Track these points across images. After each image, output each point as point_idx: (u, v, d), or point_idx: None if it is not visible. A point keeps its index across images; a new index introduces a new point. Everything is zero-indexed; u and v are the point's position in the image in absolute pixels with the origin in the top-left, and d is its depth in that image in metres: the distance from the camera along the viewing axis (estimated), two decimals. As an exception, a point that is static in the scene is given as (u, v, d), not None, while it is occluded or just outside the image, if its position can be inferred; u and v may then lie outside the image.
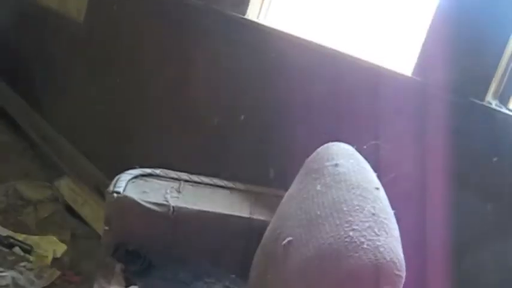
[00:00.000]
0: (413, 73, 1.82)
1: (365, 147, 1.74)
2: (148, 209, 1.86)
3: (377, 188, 1.48)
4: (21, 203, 3.09)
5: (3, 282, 2.37)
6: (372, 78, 1.89)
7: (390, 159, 1.74)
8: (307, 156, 1.73)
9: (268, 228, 1.70)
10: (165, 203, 1.87)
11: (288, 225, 1.52)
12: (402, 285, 1.22)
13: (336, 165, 1.57)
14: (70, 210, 3.07)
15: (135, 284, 1.82)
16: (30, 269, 2.52)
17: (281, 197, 1.77)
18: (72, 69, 3.60)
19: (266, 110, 2.25)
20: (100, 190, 3.11)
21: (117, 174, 1.98)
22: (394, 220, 1.37)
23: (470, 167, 1.67)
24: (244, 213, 1.90)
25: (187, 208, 1.88)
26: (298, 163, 1.75)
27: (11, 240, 2.69)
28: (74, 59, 3.57)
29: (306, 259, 1.35)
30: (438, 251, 1.70)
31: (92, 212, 2.99)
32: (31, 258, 2.62)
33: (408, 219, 1.44)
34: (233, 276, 1.89)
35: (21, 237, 2.74)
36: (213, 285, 1.84)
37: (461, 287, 1.66)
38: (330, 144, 1.70)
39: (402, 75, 1.84)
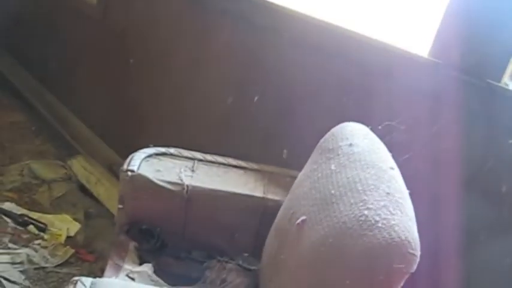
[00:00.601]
0: (429, 54, 1.80)
1: (380, 127, 1.73)
2: (162, 188, 1.87)
3: (392, 168, 1.47)
4: (35, 182, 3.11)
5: (18, 259, 2.40)
6: (387, 58, 1.88)
7: (405, 140, 1.73)
8: (321, 136, 1.73)
9: (282, 207, 1.70)
10: (179, 181, 1.88)
11: (301, 205, 1.52)
12: (416, 264, 1.22)
13: (351, 145, 1.56)
14: (83, 189, 3.09)
15: (148, 262, 1.83)
16: (45, 247, 2.55)
17: (295, 177, 1.77)
18: (86, 50, 3.60)
19: (280, 91, 2.24)
20: (113, 170, 3.13)
21: (130, 154, 1.99)
22: (409, 200, 1.37)
23: (485, 148, 1.65)
24: (258, 192, 1.91)
25: (201, 187, 1.88)
26: (311, 144, 1.75)
27: (26, 219, 2.72)
28: (88, 39, 3.57)
29: (319, 238, 1.35)
30: (451, 233, 1.69)
31: (105, 191, 3.01)
32: (45, 236, 2.65)
33: (422, 200, 1.43)
34: (246, 255, 1.90)
35: (35, 215, 2.78)
36: (226, 264, 1.86)
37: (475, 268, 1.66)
38: (345, 124, 1.69)
39: (418, 56, 1.83)
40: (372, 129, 1.69)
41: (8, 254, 2.42)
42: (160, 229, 1.93)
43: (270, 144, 2.27)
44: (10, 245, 2.51)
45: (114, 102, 3.33)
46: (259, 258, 1.79)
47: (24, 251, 2.47)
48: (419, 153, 1.73)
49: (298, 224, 1.47)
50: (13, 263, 2.37)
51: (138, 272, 1.76)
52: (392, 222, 1.25)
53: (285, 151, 2.19)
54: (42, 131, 3.70)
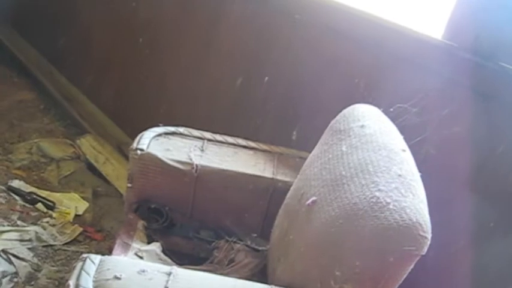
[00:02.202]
0: (443, 36, 1.78)
1: (391, 109, 1.72)
2: (172, 167, 1.86)
3: (404, 150, 1.46)
4: (43, 161, 3.12)
5: (27, 237, 2.41)
6: (400, 40, 1.86)
7: (416, 122, 1.71)
8: (332, 118, 1.72)
9: (292, 188, 1.70)
10: (188, 161, 1.88)
11: (312, 185, 1.51)
12: (427, 247, 1.21)
13: (362, 126, 1.55)
14: (92, 168, 3.09)
15: (156, 241, 1.83)
16: (53, 225, 2.56)
17: (304, 158, 1.76)
18: (95, 29, 3.59)
19: (291, 72, 2.23)
20: (122, 149, 3.13)
21: (139, 134, 1.98)
22: (420, 182, 1.36)
23: (497, 132, 1.64)
24: (267, 173, 1.90)
25: (211, 167, 1.88)
26: (321, 125, 1.74)
27: (34, 197, 2.73)
28: (97, 18, 3.56)
29: (329, 219, 1.34)
30: (462, 218, 1.69)
31: (113, 170, 3.01)
32: (54, 214, 2.66)
33: (432, 183, 1.42)
34: (254, 235, 1.90)
35: (44, 193, 2.78)
36: (234, 244, 1.86)
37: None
38: (356, 105, 1.68)
39: (432, 38, 1.81)
40: (383, 112, 1.68)
41: (17, 231, 2.43)
42: (168, 208, 1.93)
43: (280, 125, 2.26)
44: (19, 222, 2.52)
45: (124, 82, 3.33)
46: (268, 238, 1.79)
47: (32, 228, 2.48)
48: (430, 136, 1.71)
49: (308, 204, 1.46)
50: (22, 240, 2.38)
51: (146, 251, 1.76)
52: (404, 204, 1.24)
53: (294, 133, 2.18)
54: (50, 110, 3.70)
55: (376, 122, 1.59)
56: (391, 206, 1.24)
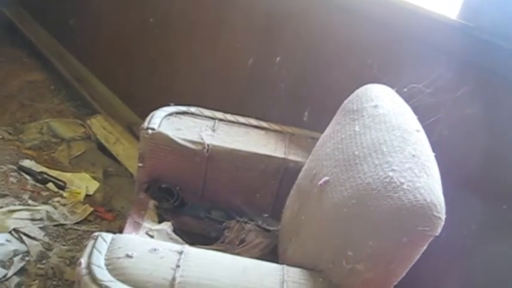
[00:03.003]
0: (458, 16, 1.75)
1: (405, 90, 1.70)
2: (183, 146, 1.86)
3: (418, 130, 1.45)
4: (54, 141, 3.12)
5: (38, 216, 2.41)
6: (414, 20, 1.83)
7: (430, 103, 1.69)
8: (344, 99, 1.70)
9: (304, 168, 1.69)
10: (199, 140, 1.87)
11: (324, 165, 1.50)
12: (441, 227, 1.20)
13: (376, 106, 1.54)
14: (102, 148, 3.09)
15: (168, 221, 1.83)
16: (64, 205, 2.57)
17: (316, 138, 1.75)
18: (105, 10, 3.57)
19: (303, 52, 2.21)
20: (132, 130, 3.13)
21: (150, 113, 1.98)
22: (435, 162, 1.35)
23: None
24: (279, 153, 1.89)
25: (222, 146, 1.87)
26: (334, 106, 1.73)
27: (45, 176, 2.74)
28: (107, -1, 3.55)
29: (342, 199, 1.33)
30: (475, 198, 1.67)
31: (123, 150, 3.01)
32: (64, 194, 2.67)
33: (445, 164, 1.41)
34: (265, 215, 1.89)
35: (54, 173, 2.79)
36: (245, 224, 1.85)
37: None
38: (370, 85, 1.67)
39: (447, 17, 1.78)
40: (397, 92, 1.67)
41: (28, 210, 2.44)
42: (179, 188, 1.93)
43: (292, 106, 2.24)
44: (30, 201, 2.53)
45: (134, 62, 3.32)
46: (279, 219, 1.79)
47: (43, 207, 2.49)
48: (444, 117, 1.69)
49: (320, 184, 1.45)
50: (33, 220, 2.39)
51: (157, 230, 1.76)
52: (418, 184, 1.23)
53: (306, 113, 2.17)
54: (61, 90, 3.70)
55: (390, 102, 1.58)
56: (404, 186, 1.23)
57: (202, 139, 1.87)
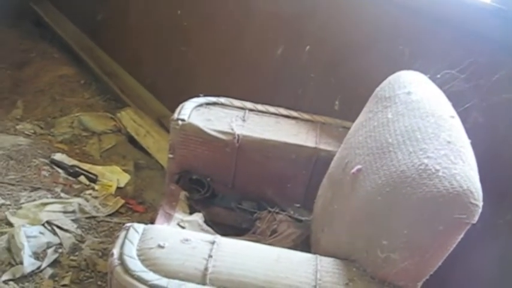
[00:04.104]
0: (492, -1, 1.71)
1: (438, 76, 1.67)
2: (213, 137, 1.85)
3: (452, 117, 1.42)
4: (85, 134, 3.15)
5: (70, 208, 2.43)
6: (447, 4, 1.79)
7: (465, 89, 1.66)
8: (375, 87, 1.67)
9: (336, 157, 1.66)
10: (229, 131, 1.86)
11: (356, 154, 1.48)
12: (478, 215, 1.17)
13: (409, 92, 1.51)
14: (133, 141, 3.10)
15: (199, 212, 1.83)
16: (95, 197, 2.58)
17: (347, 128, 1.73)
18: (133, 3, 3.58)
19: (333, 40, 2.18)
20: (162, 122, 3.13)
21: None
22: (470, 149, 1.32)
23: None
24: (310, 142, 1.87)
25: (252, 136, 1.85)
26: (364, 95, 1.70)
27: (77, 169, 2.76)
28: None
29: (376, 187, 1.31)
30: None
31: (154, 143, 3.02)
32: (96, 187, 2.69)
33: (481, 151, 1.37)
34: (297, 205, 1.88)
35: (86, 166, 2.81)
36: (276, 215, 1.84)
37: None
38: (402, 72, 1.63)
39: (480, 1, 1.73)
40: (430, 78, 1.63)
41: (60, 203, 2.46)
42: (210, 179, 1.93)
43: (322, 95, 2.22)
44: (62, 194, 2.55)
45: (162, 55, 3.32)
46: (310, 209, 1.77)
47: (75, 200, 2.51)
48: (479, 103, 1.65)
49: (353, 173, 1.43)
50: (65, 212, 2.41)
51: (188, 221, 1.76)
52: (454, 171, 1.20)
53: (336, 102, 2.14)
54: (91, 85, 3.73)
55: (423, 88, 1.54)
56: (440, 173, 1.20)
57: (232, 129, 1.86)
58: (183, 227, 1.73)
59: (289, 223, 1.81)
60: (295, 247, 1.69)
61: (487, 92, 1.65)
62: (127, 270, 1.24)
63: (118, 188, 2.71)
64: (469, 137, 1.37)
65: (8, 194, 2.47)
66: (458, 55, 1.70)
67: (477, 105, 1.66)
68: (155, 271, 1.24)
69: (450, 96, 1.55)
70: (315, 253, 1.40)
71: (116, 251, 1.28)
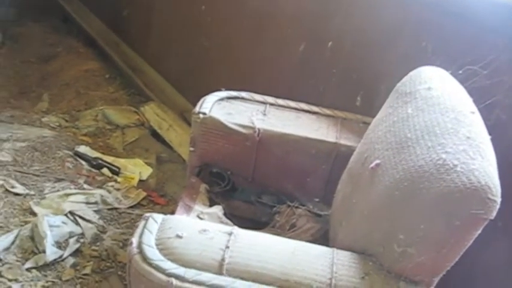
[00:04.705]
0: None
1: (460, 72, 1.66)
2: (234, 131, 1.86)
3: (473, 112, 1.41)
4: (109, 127, 3.19)
5: (93, 200, 2.47)
6: (469, 0, 1.78)
7: (487, 85, 1.64)
8: (397, 83, 1.67)
9: (355, 152, 1.66)
10: (250, 125, 1.87)
11: (376, 149, 1.48)
12: (496, 211, 1.17)
13: (429, 88, 1.50)
14: (155, 134, 3.14)
15: (219, 204, 1.84)
16: (118, 189, 2.62)
17: (368, 123, 1.72)
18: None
19: (355, 36, 2.18)
20: (185, 116, 3.16)
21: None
22: (490, 145, 1.31)
23: None
24: (331, 137, 1.87)
25: (273, 131, 1.86)
26: (386, 91, 1.70)
27: (100, 162, 2.80)
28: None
29: (394, 181, 1.31)
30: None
31: (176, 137, 3.04)
32: (118, 179, 2.72)
33: (502, 148, 1.36)
34: (316, 200, 1.88)
35: (109, 159, 2.85)
36: (296, 209, 1.85)
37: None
38: (423, 67, 1.63)
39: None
40: (451, 74, 1.62)
41: (83, 194, 2.50)
42: (230, 172, 1.94)
43: (343, 91, 2.22)
44: (85, 186, 2.59)
45: (186, 50, 3.34)
46: (330, 204, 1.77)
47: (98, 192, 2.54)
48: (501, 99, 1.64)
49: (372, 168, 1.43)
50: (88, 203, 2.44)
51: (208, 213, 1.77)
52: (472, 166, 1.20)
53: (358, 98, 2.14)
54: (115, 79, 3.78)
55: (444, 84, 1.54)
56: (458, 169, 1.19)
57: (253, 123, 1.87)
58: (202, 219, 1.74)
59: (308, 217, 1.81)
60: (314, 241, 1.67)
61: (510, 89, 1.64)
62: (145, 259, 1.25)
63: (140, 180, 2.75)
64: (491, 134, 1.36)
65: (32, 185, 2.51)
66: (481, 51, 1.69)
67: (500, 102, 1.64)
68: (173, 260, 1.25)
69: (472, 92, 1.53)
70: (332, 247, 1.40)
71: (135, 240, 1.30)
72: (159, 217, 1.38)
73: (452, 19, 1.82)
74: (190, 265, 1.24)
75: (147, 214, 1.38)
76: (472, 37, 1.75)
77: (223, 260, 1.25)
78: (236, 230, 1.36)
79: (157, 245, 1.29)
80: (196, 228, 1.34)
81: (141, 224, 1.36)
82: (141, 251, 1.27)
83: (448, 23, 1.84)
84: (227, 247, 1.29)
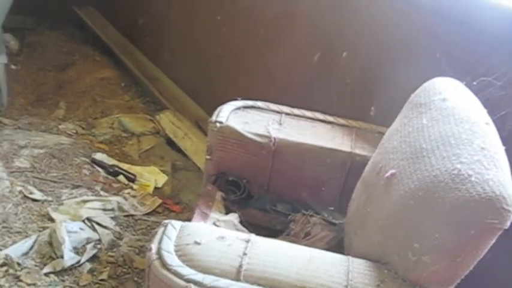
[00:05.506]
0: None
1: (474, 83, 1.68)
2: (250, 139, 1.89)
3: (487, 123, 1.43)
4: (125, 135, 3.23)
5: (109, 206, 2.50)
6: (483, 13, 1.79)
7: (501, 96, 1.66)
8: (411, 93, 1.69)
9: (370, 161, 1.69)
10: (266, 134, 1.90)
11: (391, 158, 1.50)
12: (511, 221, 1.19)
13: (444, 99, 1.52)
14: (171, 143, 3.17)
15: (234, 212, 1.87)
16: (134, 196, 2.65)
17: (383, 133, 1.75)
18: (173, 9, 3.65)
19: (370, 46, 2.20)
20: (200, 125, 3.19)
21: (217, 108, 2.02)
22: (504, 156, 1.33)
23: None
24: (345, 147, 1.89)
25: (288, 140, 1.89)
26: (400, 101, 1.72)
27: (116, 169, 2.83)
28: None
29: (409, 191, 1.33)
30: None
31: (191, 145, 3.07)
32: (134, 186, 2.75)
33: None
34: (331, 209, 1.90)
35: (125, 166, 2.88)
36: (310, 218, 1.87)
37: None
38: (438, 78, 1.65)
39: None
40: (466, 85, 1.64)
41: (100, 201, 2.53)
42: (246, 181, 1.97)
43: (358, 100, 2.24)
44: (102, 192, 2.62)
45: (201, 59, 3.38)
46: (344, 212, 1.79)
47: (114, 198, 2.57)
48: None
49: (387, 177, 1.45)
50: (104, 210, 2.47)
51: (224, 221, 1.80)
52: (487, 176, 1.22)
53: (372, 108, 2.16)
54: (131, 87, 3.82)
55: (458, 95, 1.56)
56: (473, 178, 1.21)
57: (268, 132, 1.90)
58: (218, 227, 1.76)
59: (322, 226, 1.83)
60: (328, 249, 1.70)
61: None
62: (164, 265, 1.28)
63: (155, 188, 2.78)
64: (505, 144, 1.38)
65: (50, 191, 2.55)
66: (495, 62, 1.71)
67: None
68: (191, 266, 1.28)
69: (486, 103, 1.55)
70: (347, 255, 1.42)
71: (154, 246, 1.33)
72: (177, 224, 1.41)
73: (466, 30, 1.84)
74: (208, 271, 1.27)
75: (166, 221, 1.41)
76: (486, 48, 1.77)
77: (240, 266, 1.28)
78: (253, 237, 1.38)
79: (176, 251, 1.32)
80: (214, 235, 1.37)
81: (160, 230, 1.38)
82: (160, 257, 1.30)
83: (462, 34, 1.85)
84: (244, 254, 1.31)
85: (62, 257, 2.13)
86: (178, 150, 3.11)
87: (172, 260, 1.29)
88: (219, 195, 1.93)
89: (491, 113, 1.51)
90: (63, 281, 2.08)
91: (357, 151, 1.88)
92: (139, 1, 4.06)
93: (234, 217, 1.82)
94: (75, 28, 4.57)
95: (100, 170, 2.82)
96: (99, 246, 2.26)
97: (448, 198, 1.22)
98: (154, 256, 1.30)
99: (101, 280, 2.12)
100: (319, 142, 1.90)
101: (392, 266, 1.33)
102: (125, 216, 2.49)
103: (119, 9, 4.37)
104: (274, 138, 1.88)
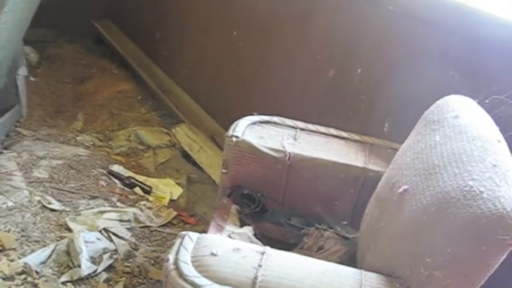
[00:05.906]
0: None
1: (487, 101, 1.70)
2: (265, 154, 1.92)
3: (499, 141, 1.45)
4: (141, 148, 3.27)
5: (126, 217, 2.54)
6: (496, 30, 1.81)
7: (514, 114, 1.69)
8: (425, 110, 1.72)
9: (384, 177, 1.71)
10: (281, 148, 1.93)
11: (404, 174, 1.53)
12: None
13: (457, 116, 1.55)
14: (186, 156, 3.21)
15: (249, 225, 1.90)
16: (149, 208, 2.69)
17: (396, 149, 1.77)
18: (190, 23, 3.70)
19: (383, 64, 2.23)
20: (215, 139, 3.22)
21: (232, 124, 2.05)
22: (516, 173, 1.35)
23: None
24: (359, 162, 1.92)
25: (303, 155, 1.92)
26: (414, 118, 1.74)
27: (132, 181, 2.88)
28: (192, 12, 3.67)
29: (421, 206, 1.36)
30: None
31: (207, 158, 3.11)
32: (150, 198, 2.79)
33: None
34: (344, 223, 1.93)
35: (141, 178, 2.92)
36: (324, 232, 1.89)
37: None
38: (451, 96, 1.68)
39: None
40: (478, 103, 1.67)
41: (117, 212, 2.57)
42: (261, 194, 2.00)
43: (372, 117, 2.27)
44: (118, 204, 2.66)
45: (217, 74, 3.42)
46: (357, 227, 1.82)
47: (131, 210, 2.62)
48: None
49: (400, 193, 1.48)
50: (121, 221, 2.52)
51: (239, 234, 1.83)
52: (498, 193, 1.24)
53: (386, 125, 2.19)
54: (147, 100, 3.86)
55: (471, 112, 1.59)
56: (484, 195, 1.24)
57: (284, 147, 1.93)
58: (233, 239, 1.80)
59: (336, 240, 1.86)
60: (341, 263, 1.73)
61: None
62: (181, 275, 1.31)
63: (171, 200, 2.82)
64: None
65: (68, 201, 2.60)
66: (508, 81, 1.73)
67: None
68: (208, 277, 1.31)
69: (498, 121, 1.58)
70: (360, 269, 1.45)
71: (171, 257, 1.36)
72: (194, 235, 1.44)
73: (480, 48, 1.86)
74: (224, 282, 1.29)
75: (183, 232, 1.44)
76: (498, 67, 1.80)
77: (256, 278, 1.31)
78: (268, 249, 1.41)
79: (192, 262, 1.35)
80: (230, 247, 1.40)
81: (178, 241, 1.42)
82: (177, 267, 1.33)
83: (475, 53, 1.88)
84: (260, 266, 1.34)
85: (79, 266, 2.17)
86: (194, 163, 3.15)
87: (189, 270, 1.32)
88: (234, 208, 1.96)
89: (503, 130, 1.53)
90: (80, 290, 2.12)
91: (370, 167, 1.91)
92: (157, 16, 4.12)
93: (248, 230, 1.85)
94: (93, 41, 4.64)
95: (117, 181, 2.86)
96: (115, 256, 2.30)
97: (459, 214, 1.24)
98: (172, 266, 1.33)
99: (117, 290, 2.17)
100: (333, 157, 1.93)
101: (405, 280, 1.35)
102: (141, 227, 2.53)
103: (137, 24, 4.43)
104: (289, 153, 1.92)
